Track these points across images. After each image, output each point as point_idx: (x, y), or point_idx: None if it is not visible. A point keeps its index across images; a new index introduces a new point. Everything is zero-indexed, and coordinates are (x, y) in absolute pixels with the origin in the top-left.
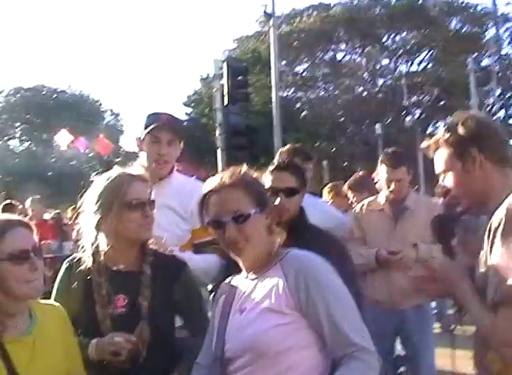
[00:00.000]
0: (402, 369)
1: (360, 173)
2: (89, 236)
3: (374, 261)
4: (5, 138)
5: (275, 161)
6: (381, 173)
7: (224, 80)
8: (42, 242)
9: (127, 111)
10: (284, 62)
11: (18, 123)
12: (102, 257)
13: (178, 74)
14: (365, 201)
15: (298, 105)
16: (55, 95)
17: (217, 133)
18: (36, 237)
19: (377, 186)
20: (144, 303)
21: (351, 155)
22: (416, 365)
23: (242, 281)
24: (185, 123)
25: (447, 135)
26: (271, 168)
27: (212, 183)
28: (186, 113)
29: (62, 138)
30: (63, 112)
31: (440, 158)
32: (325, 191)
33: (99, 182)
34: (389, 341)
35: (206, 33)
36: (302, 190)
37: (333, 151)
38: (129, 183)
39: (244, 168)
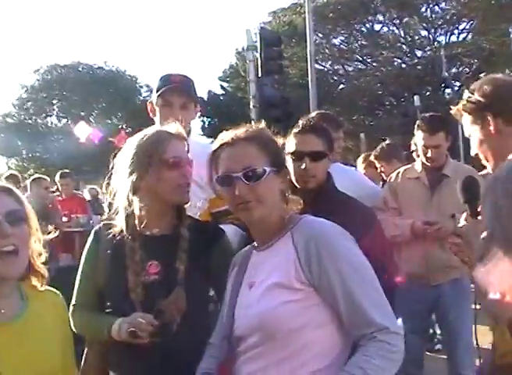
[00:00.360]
0: (438, 346)
1: (387, 141)
2: (122, 198)
3: (409, 232)
4: (43, 115)
5: (300, 123)
6: (417, 139)
7: (257, 52)
8: (72, 216)
9: None
10: (321, 35)
11: (55, 101)
12: (136, 221)
13: (214, 49)
14: (401, 169)
15: (336, 78)
16: (91, 72)
17: (251, 105)
18: (21, 204)
19: (414, 155)
20: (180, 267)
21: (389, 128)
22: (453, 342)
23: (254, 252)
24: (221, 98)
25: (465, 101)
26: (295, 130)
27: (226, 136)
28: (222, 87)
29: (81, 130)
30: (100, 88)
31: (465, 123)
32: (359, 161)
33: (133, 142)
34: (424, 317)
35: (242, 6)
36: (329, 154)
37: (371, 124)
38: (168, 141)
39: (262, 124)
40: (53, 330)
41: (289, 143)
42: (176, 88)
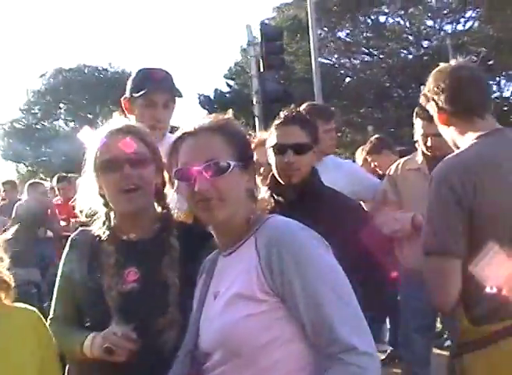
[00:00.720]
0: (448, 342)
1: (375, 136)
2: (94, 203)
3: (410, 226)
4: (50, 120)
5: (282, 115)
6: (417, 127)
7: (258, 47)
8: (71, 220)
9: None
10: (326, 29)
11: (62, 105)
12: (112, 225)
13: (219, 47)
14: (401, 161)
15: (342, 72)
16: (97, 74)
17: (253, 101)
18: None
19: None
20: (174, 281)
21: (398, 120)
22: None
23: (220, 257)
24: (227, 95)
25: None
26: (276, 122)
27: (188, 126)
28: (228, 85)
29: (86, 135)
30: (106, 90)
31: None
32: (358, 153)
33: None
34: (427, 315)
35: (246, 3)
36: (314, 146)
37: (379, 116)
38: (103, 141)
39: (230, 114)
40: (22, 356)
41: (271, 136)
42: (160, 86)
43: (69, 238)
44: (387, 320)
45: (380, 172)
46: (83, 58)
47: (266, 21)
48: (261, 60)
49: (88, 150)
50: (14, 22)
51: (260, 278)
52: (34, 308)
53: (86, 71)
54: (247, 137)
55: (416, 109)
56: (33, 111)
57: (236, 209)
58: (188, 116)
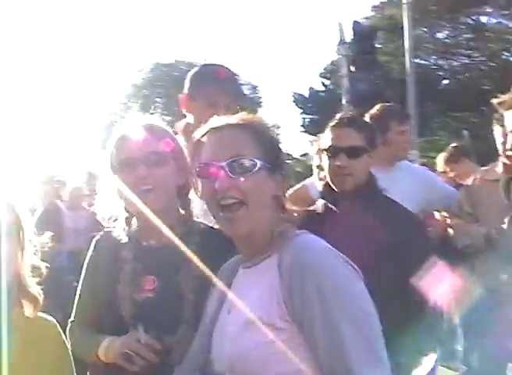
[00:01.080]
0: None
1: (453, 144)
2: (117, 207)
3: (483, 242)
4: (147, 113)
5: (337, 117)
6: (496, 135)
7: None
8: None
9: (265, 84)
10: (425, 29)
11: (158, 99)
12: (132, 230)
13: (315, 45)
14: (479, 171)
15: (440, 73)
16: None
17: (343, 100)
18: None
19: None
20: (188, 296)
21: None
22: None
23: (240, 268)
24: (322, 94)
25: None
26: (331, 124)
27: (214, 121)
28: (323, 84)
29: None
30: None
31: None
32: (439, 160)
33: None
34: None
35: (347, 1)
36: (370, 150)
37: (475, 121)
38: (121, 140)
39: (260, 115)
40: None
41: (325, 138)
42: (223, 87)
43: (93, 239)
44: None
45: (459, 181)
46: (180, 54)
47: (361, 20)
48: (351, 60)
49: (106, 150)
50: (115, 17)
51: (281, 305)
52: (54, 321)
53: (182, 67)
54: (278, 139)
55: (494, 115)
56: (129, 104)
57: (259, 217)
58: (282, 114)
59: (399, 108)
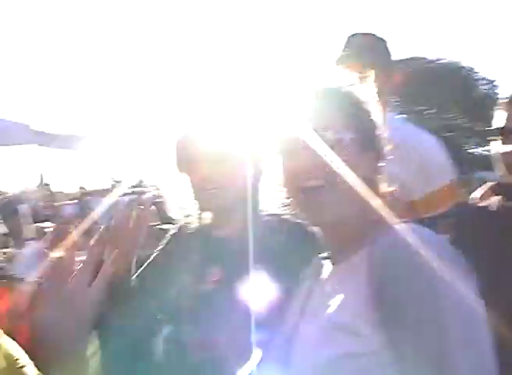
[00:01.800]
0: None
1: None
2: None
3: None
4: None
5: None
6: None
7: None
8: None
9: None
10: None
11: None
12: (202, 221)
13: None
14: None
15: None
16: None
17: None
18: None
19: None
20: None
21: None
22: None
23: (329, 263)
24: None
25: None
26: (506, 100)
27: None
28: None
29: None
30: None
31: None
32: None
33: None
34: None
35: None
36: None
37: None
38: (191, 141)
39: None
40: None
41: (498, 118)
42: None
43: (175, 228)
44: None
45: None
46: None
47: None
48: None
49: (174, 145)
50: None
51: (368, 307)
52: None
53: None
54: (369, 110)
55: None
56: None
57: (347, 200)
58: None
59: None
